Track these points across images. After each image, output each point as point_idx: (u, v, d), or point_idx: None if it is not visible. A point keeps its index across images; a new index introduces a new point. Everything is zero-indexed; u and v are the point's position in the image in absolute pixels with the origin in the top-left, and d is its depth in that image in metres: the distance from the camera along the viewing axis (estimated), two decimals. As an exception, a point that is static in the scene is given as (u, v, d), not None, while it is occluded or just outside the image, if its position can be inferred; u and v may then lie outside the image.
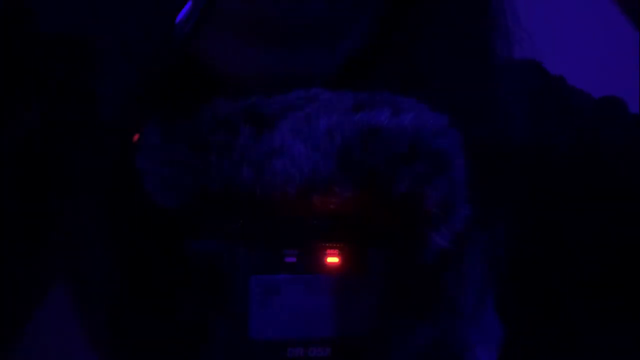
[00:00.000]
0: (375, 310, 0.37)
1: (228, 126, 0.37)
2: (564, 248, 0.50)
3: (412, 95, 0.40)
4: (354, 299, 0.37)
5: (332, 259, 0.37)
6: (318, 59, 0.42)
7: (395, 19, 0.46)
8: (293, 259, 0.37)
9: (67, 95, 0.46)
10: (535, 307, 0.49)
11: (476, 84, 0.47)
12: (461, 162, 0.38)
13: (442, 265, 0.39)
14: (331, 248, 0.37)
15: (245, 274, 0.37)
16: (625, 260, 0.49)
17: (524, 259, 0.48)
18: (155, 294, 0.39)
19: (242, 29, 0.41)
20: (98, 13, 0.43)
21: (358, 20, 0.45)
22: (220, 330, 0.37)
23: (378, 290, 0.37)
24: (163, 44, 0.42)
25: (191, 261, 0.37)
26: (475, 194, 0.39)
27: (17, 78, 0.45)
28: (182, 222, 0.38)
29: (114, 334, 0.41)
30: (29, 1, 0.44)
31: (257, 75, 0.40)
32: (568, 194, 0.50)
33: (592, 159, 0.51)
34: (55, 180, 0.46)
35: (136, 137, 0.39)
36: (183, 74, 0.46)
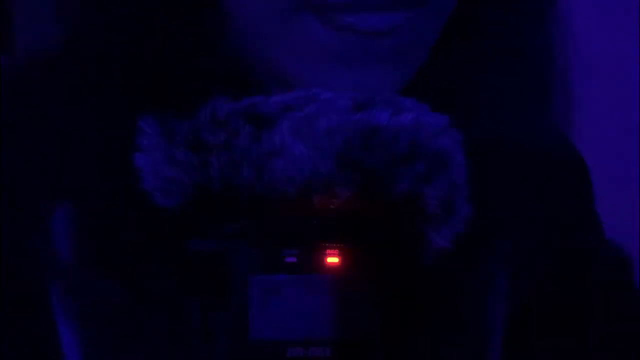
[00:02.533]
0: (375, 310, 0.37)
1: (228, 126, 0.37)
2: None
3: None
4: (354, 299, 0.37)
5: (332, 259, 0.37)
6: (390, 78, 0.42)
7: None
8: (293, 259, 0.37)
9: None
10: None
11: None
12: (461, 161, 0.38)
13: (443, 265, 0.39)
14: (331, 248, 0.37)
15: (245, 274, 0.37)
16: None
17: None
18: (154, 294, 0.39)
19: (319, 53, 0.42)
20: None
21: (429, 44, 0.45)
22: (220, 330, 0.37)
23: (378, 290, 0.37)
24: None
25: (191, 261, 0.37)
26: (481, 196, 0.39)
27: None
28: (182, 222, 0.38)
29: (114, 333, 0.41)
30: None
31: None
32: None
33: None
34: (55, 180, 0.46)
35: None
36: (186, 74, 0.46)
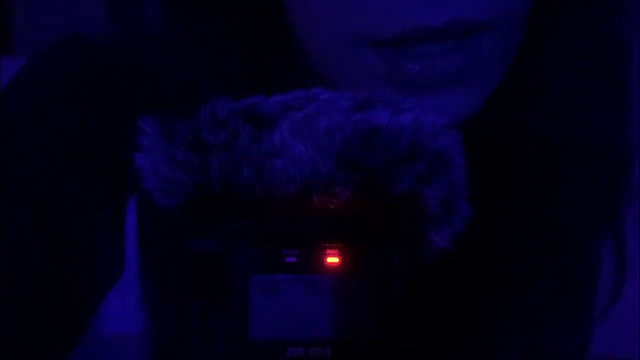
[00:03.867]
0: (375, 310, 0.37)
1: (228, 126, 0.37)
2: None
3: None
4: (354, 299, 0.37)
5: (332, 259, 0.37)
6: (463, 102, 0.43)
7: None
8: (293, 259, 0.37)
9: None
10: None
11: None
12: (461, 161, 0.38)
13: (442, 265, 0.39)
14: (331, 248, 0.37)
15: (245, 274, 0.37)
16: None
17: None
18: (154, 294, 0.39)
19: (382, 81, 0.42)
20: None
21: (499, 63, 0.45)
22: (220, 330, 0.37)
23: (378, 290, 0.37)
24: None
25: (191, 261, 0.37)
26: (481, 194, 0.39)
27: None
28: (182, 222, 0.38)
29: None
30: None
31: None
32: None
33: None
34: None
35: None
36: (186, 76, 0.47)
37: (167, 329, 0.41)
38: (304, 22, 0.45)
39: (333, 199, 0.37)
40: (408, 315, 0.39)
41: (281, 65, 0.47)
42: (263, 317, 0.37)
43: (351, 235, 0.37)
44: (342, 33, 0.44)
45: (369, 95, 0.39)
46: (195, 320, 0.38)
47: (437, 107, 0.43)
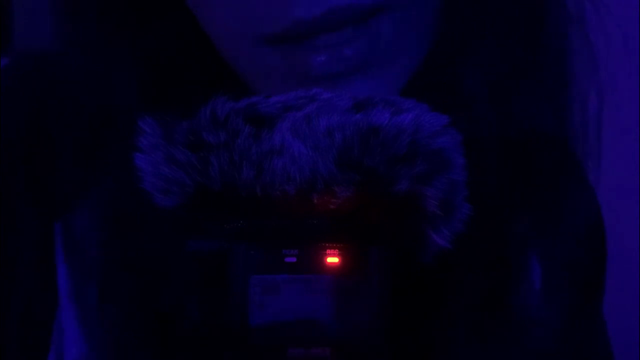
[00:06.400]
0: (375, 310, 0.37)
1: (228, 126, 0.37)
2: None
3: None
4: (354, 299, 0.37)
5: (332, 259, 0.37)
6: (376, 87, 0.42)
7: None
8: (293, 259, 0.37)
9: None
10: None
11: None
12: (461, 161, 0.38)
13: (442, 265, 0.39)
14: (331, 248, 0.37)
15: (245, 274, 0.37)
16: None
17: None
18: (154, 294, 0.39)
19: (289, 77, 0.42)
20: None
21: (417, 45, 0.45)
22: (220, 329, 0.37)
23: (378, 290, 0.37)
24: None
25: (191, 261, 0.37)
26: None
27: None
28: (182, 222, 0.38)
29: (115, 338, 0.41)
30: None
31: None
32: None
33: None
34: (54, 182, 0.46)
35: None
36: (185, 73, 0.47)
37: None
38: (207, 25, 0.45)
39: (333, 199, 0.37)
40: (407, 315, 0.39)
41: (201, 69, 0.47)
42: (263, 317, 0.37)
43: (351, 235, 0.37)
44: (237, 33, 0.44)
45: (369, 95, 0.39)
46: (195, 320, 0.38)
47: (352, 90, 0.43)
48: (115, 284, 0.43)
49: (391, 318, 0.38)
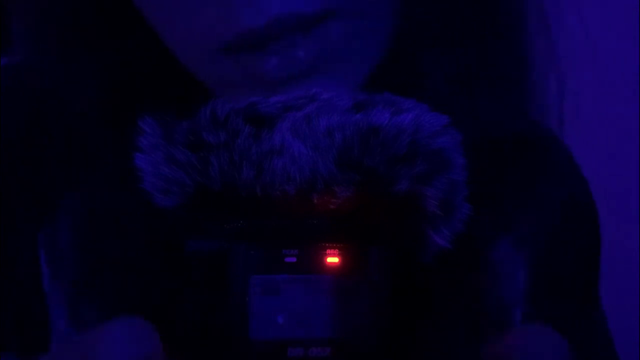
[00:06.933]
0: (375, 310, 0.37)
1: (228, 126, 0.37)
2: None
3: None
4: (354, 299, 0.37)
5: (332, 259, 0.37)
6: (335, 84, 0.43)
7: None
8: (293, 259, 0.37)
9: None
10: None
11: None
12: (461, 161, 0.38)
13: (442, 265, 0.39)
14: (331, 248, 0.37)
15: (245, 274, 0.37)
16: None
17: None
18: (154, 294, 0.39)
19: (246, 84, 0.43)
20: None
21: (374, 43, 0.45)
22: (220, 330, 0.37)
23: (378, 290, 0.37)
24: None
25: (191, 261, 0.37)
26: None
27: None
28: (182, 222, 0.38)
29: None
30: None
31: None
32: None
33: None
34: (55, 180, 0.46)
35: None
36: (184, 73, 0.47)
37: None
38: (164, 38, 0.46)
39: (333, 199, 0.37)
40: (407, 316, 0.39)
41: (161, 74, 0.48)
42: (263, 317, 0.37)
43: (351, 235, 0.37)
44: (193, 45, 0.45)
45: (369, 95, 0.39)
46: (194, 320, 0.38)
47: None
48: (94, 285, 0.43)
49: (391, 318, 0.38)
